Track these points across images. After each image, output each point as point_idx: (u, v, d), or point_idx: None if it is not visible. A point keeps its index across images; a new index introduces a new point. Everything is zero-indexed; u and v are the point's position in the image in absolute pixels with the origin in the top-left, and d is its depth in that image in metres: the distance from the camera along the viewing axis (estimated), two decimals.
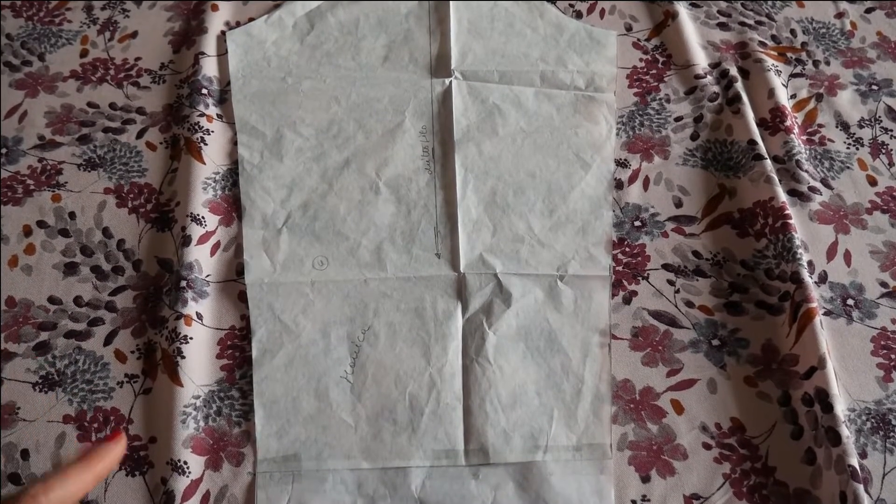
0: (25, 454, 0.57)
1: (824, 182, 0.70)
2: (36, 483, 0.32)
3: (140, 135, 0.73)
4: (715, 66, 0.77)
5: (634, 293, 0.64)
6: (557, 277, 0.64)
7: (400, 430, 0.58)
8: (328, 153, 0.71)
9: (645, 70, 0.78)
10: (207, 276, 0.65)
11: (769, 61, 0.77)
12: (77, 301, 0.64)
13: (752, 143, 0.70)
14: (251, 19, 0.80)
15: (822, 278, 0.64)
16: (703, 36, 0.80)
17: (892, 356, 0.61)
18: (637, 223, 0.68)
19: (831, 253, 0.66)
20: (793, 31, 0.81)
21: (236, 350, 0.62)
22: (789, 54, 0.79)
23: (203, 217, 0.67)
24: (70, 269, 0.66)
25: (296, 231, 0.67)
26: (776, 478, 0.56)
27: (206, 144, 0.71)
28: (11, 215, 0.68)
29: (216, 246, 0.66)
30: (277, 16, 0.80)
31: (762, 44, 0.79)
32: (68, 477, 0.34)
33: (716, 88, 0.75)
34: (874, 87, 0.76)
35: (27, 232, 0.67)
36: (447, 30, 0.78)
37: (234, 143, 0.72)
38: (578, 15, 0.82)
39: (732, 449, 0.57)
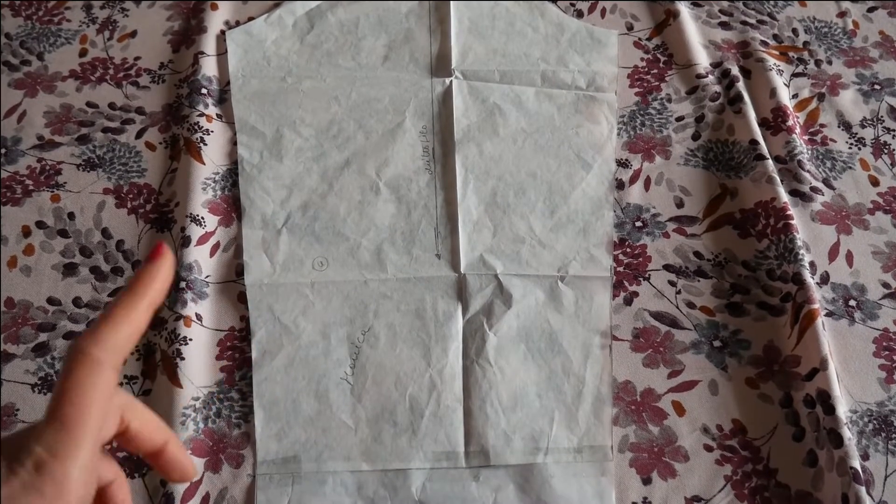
0: None
1: (826, 182, 0.70)
2: (83, 335, 0.26)
3: (139, 135, 0.73)
4: (716, 65, 0.77)
5: (635, 294, 0.64)
6: (558, 278, 0.64)
7: (400, 431, 0.58)
8: (328, 153, 0.71)
9: (646, 70, 0.77)
10: (207, 276, 0.64)
11: (771, 61, 0.76)
12: (76, 302, 0.64)
13: (754, 143, 0.70)
14: (251, 18, 0.80)
15: (824, 279, 0.64)
16: (704, 35, 0.80)
17: (895, 357, 0.61)
18: (638, 224, 0.68)
19: (833, 254, 0.65)
20: (795, 31, 0.80)
21: (236, 351, 0.62)
22: (791, 54, 0.78)
23: (202, 217, 0.66)
24: (69, 269, 0.65)
25: (296, 232, 0.66)
26: (778, 480, 0.56)
27: (205, 144, 0.70)
28: (10, 216, 0.68)
29: (216, 247, 0.66)
30: (277, 15, 0.79)
31: (764, 43, 0.79)
32: (116, 317, 0.27)
33: (717, 88, 0.75)
34: (876, 87, 0.76)
35: (26, 233, 0.67)
36: (448, 29, 0.78)
37: (234, 143, 0.72)
38: (579, 14, 0.82)
39: (734, 451, 0.57)
